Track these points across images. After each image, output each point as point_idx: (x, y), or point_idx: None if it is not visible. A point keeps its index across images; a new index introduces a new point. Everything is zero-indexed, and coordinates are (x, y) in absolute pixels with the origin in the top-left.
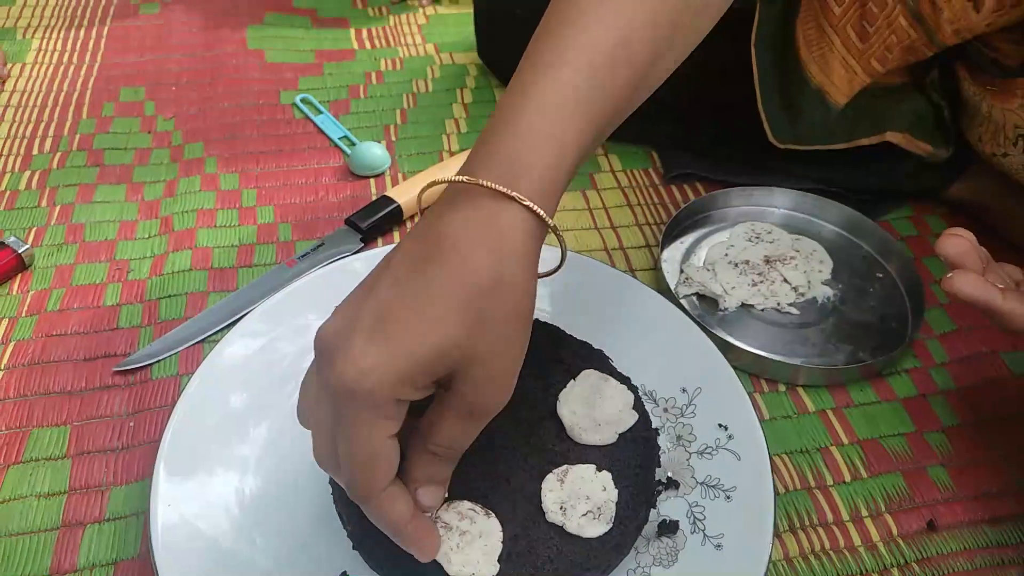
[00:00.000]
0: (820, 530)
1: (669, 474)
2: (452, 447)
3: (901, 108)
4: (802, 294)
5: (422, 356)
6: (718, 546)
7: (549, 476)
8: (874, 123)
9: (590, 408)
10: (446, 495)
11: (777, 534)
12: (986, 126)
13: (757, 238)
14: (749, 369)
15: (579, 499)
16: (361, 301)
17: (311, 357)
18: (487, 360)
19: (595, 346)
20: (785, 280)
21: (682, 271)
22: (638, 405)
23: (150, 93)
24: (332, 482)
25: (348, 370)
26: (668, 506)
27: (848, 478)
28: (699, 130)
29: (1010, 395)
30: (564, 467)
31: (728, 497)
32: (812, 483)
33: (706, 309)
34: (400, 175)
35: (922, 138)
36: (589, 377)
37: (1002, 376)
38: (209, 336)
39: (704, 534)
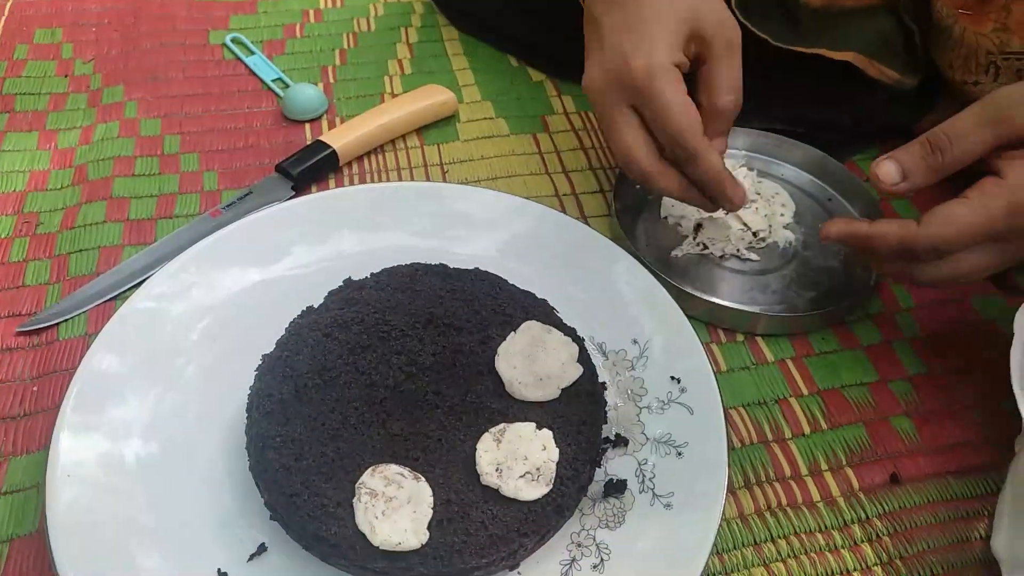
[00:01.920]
0: (777, 485)
1: (617, 431)
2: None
3: (869, 28)
4: (763, 239)
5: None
6: (668, 505)
7: (485, 436)
8: (839, 39)
9: (531, 362)
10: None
11: (731, 491)
12: (957, 52)
13: None
14: (706, 318)
15: (516, 460)
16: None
17: (230, 314)
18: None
19: (540, 296)
20: (745, 225)
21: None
22: (583, 358)
23: (68, 34)
24: (248, 448)
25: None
26: (616, 464)
27: (807, 430)
28: None
29: (978, 340)
30: (501, 426)
31: (680, 454)
32: (769, 436)
33: (660, 257)
34: (338, 119)
35: (888, 64)
36: (531, 329)
37: (971, 321)
38: (122, 292)
39: (653, 493)
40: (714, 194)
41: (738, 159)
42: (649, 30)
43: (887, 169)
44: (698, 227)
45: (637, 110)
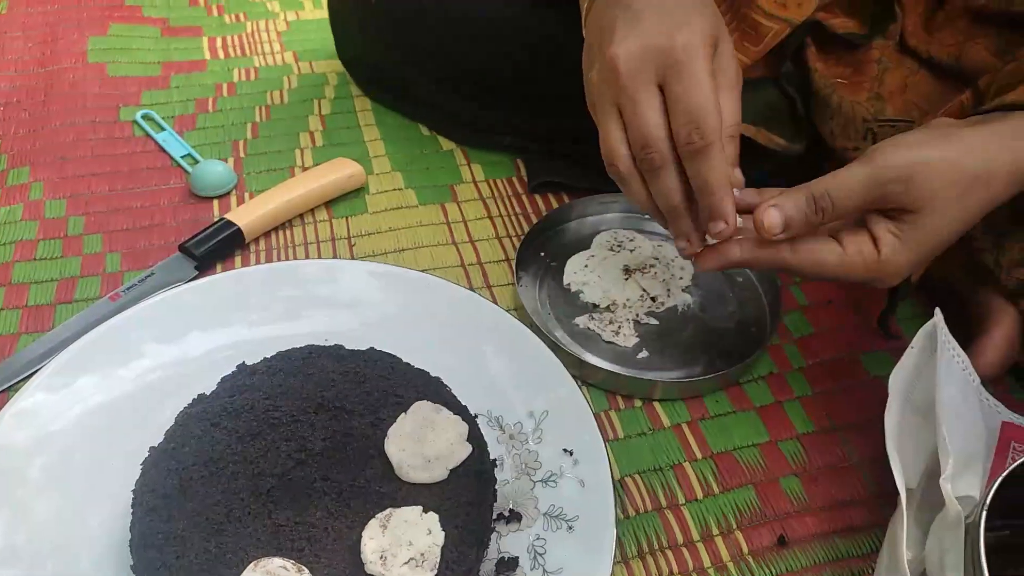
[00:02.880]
0: (669, 553)
1: (512, 506)
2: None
3: (756, 99)
4: (661, 303)
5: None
6: None
7: (372, 522)
8: None
9: (419, 443)
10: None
11: (625, 561)
12: (836, 119)
13: (619, 246)
14: (604, 386)
15: (401, 546)
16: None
17: (121, 406)
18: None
19: (436, 373)
20: (644, 291)
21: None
22: (473, 436)
23: None
24: (130, 545)
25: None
26: (509, 541)
27: (700, 495)
28: (563, 133)
29: (867, 397)
30: (388, 511)
31: (570, 528)
32: (663, 503)
33: (563, 325)
34: (247, 194)
35: (775, 132)
36: (421, 409)
37: (859, 379)
38: (14, 384)
39: (544, 569)
40: (709, 203)
41: (636, 223)
42: (689, 17)
43: (773, 220)
44: (594, 307)
45: (663, 90)
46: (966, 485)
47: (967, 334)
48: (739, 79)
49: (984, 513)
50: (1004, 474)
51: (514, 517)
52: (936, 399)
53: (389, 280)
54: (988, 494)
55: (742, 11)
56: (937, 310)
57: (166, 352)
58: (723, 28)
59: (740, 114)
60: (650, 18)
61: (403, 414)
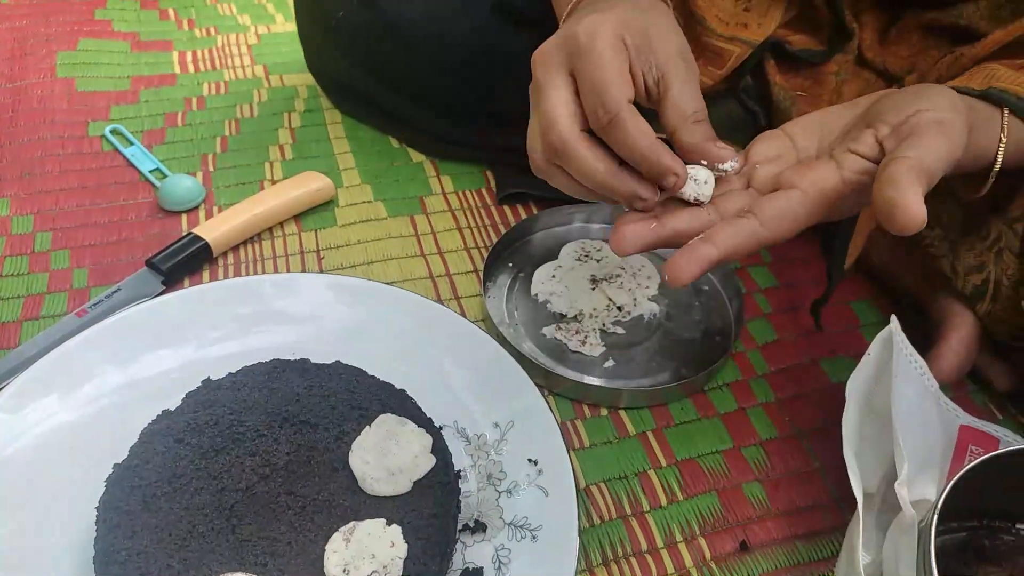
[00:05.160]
0: (633, 560)
1: (477, 516)
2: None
3: (716, 112)
4: (628, 313)
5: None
6: None
7: (335, 535)
8: None
9: (383, 456)
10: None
11: (589, 569)
12: None
13: (587, 256)
14: (571, 395)
15: (364, 558)
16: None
17: (86, 423)
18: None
19: (401, 384)
20: (610, 300)
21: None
22: (438, 448)
23: None
24: (94, 562)
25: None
26: (474, 552)
27: (664, 502)
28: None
29: (828, 404)
30: (352, 524)
31: (535, 537)
32: (628, 511)
33: (531, 334)
34: (216, 208)
35: (738, 144)
36: (386, 422)
37: (821, 385)
38: None
39: None
40: (649, 168)
41: (603, 234)
42: (605, 16)
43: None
44: (561, 316)
45: (574, 78)
46: (922, 489)
47: (926, 340)
48: (693, 72)
49: (936, 517)
50: (956, 477)
51: (479, 527)
52: (891, 404)
53: (355, 293)
54: (940, 498)
55: (702, 40)
56: (893, 316)
57: (130, 369)
58: (659, 19)
59: (701, 101)
60: (580, 16)
61: (368, 427)
